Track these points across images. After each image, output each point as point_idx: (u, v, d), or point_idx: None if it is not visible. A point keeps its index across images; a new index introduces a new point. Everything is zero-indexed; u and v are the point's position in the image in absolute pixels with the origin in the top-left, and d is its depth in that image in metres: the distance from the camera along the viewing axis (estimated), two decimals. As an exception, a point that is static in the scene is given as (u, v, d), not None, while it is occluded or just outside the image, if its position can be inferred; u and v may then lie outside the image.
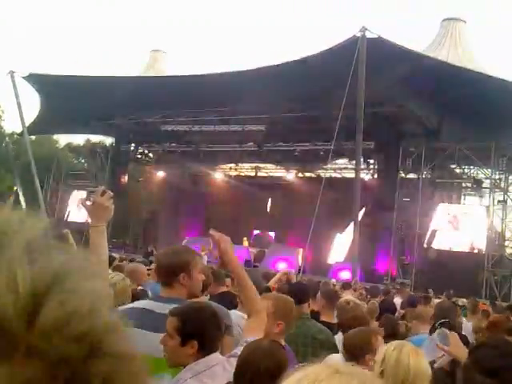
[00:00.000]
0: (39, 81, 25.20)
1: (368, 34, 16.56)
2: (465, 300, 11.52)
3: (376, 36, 16.97)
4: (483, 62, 24.77)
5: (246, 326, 2.62)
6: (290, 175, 27.33)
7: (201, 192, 26.93)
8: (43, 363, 0.41)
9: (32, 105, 27.75)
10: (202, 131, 25.33)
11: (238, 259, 2.81)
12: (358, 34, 16.50)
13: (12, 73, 24.12)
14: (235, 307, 3.95)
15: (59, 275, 0.44)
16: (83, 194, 28.60)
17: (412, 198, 21.44)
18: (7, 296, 0.41)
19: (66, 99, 23.94)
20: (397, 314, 6.56)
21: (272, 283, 5.98)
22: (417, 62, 17.76)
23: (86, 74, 25.16)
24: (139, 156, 30.70)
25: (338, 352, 3.50)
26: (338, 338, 4.17)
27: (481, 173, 23.04)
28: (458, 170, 23.88)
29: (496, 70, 21.29)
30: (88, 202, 2.39)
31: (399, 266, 21.19)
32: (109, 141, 33.42)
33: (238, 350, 2.33)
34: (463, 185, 23.66)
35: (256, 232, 26.95)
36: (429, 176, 22.20)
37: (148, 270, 6.28)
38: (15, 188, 29.94)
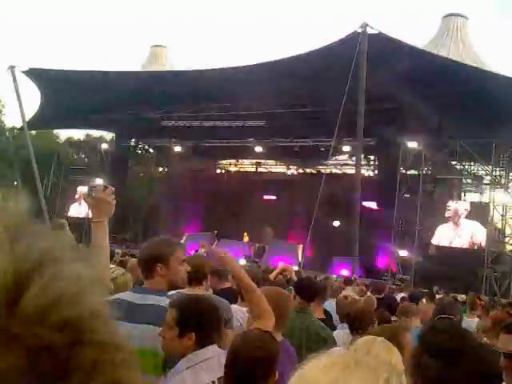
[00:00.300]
0: (39, 76, 25.15)
1: (369, 30, 16.53)
2: (464, 296, 11.56)
3: (377, 32, 16.94)
4: (484, 58, 24.76)
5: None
6: (291, 171, 27.33)
7: (201, 187, 26.90)
8: (25, 351, 0.39)
9: (32, 100, 27.73)
10: (202, 127, 25.32)
11: (239, 267, 2.82)
12: (359, 30, 16.47)
13: (12, 67, 24.05)
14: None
15: (42, 260, 0.42)
16: (84, 188, 28.65)
17: (412, 194, 21.44)
18: None
19: (67, 94, 23.92)
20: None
21: (271, 278, 5.99)
22: (418, 58, 17.73)
23: (87, 69, 25.10)
24: (139, 151, 30.72)
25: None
26: (337, 334, 4.19)
27: (481, 169, 23.04)
28: (458, 167, 23.89)
29: (497, 66, 21.28)
30: (90, 197, 2.40)
31: (399, 262, 21.22)
32: (109, 136, 33.48)
33: None
34: (463, 181, 23.67)
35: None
36: (429, 172, 22.20)
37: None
38: (15, 183, 29.93)
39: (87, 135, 37.88)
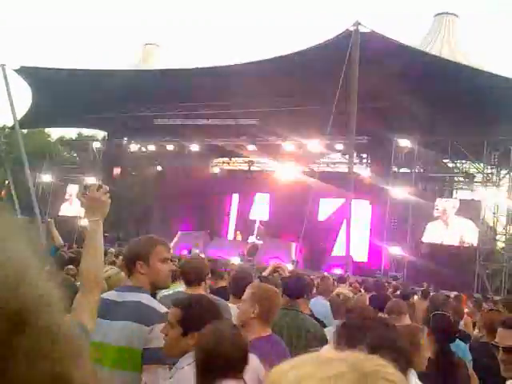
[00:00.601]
0: (31, 74, 25.01)
1: (361, 29, 16.54)
2: (456, 293, 11.62)
3: (369, 30, 16.96)
4: (476, 57, 24.86)
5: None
6: (284, 169, 27.33)
7: (194, 186, 26.86)
8: None
9: (24, 98, 27.58)
10: (195, 125, 25.27)
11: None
12: (352, 29, 16.48)
13: (3, 66, 23.89)
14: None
15: None
16: (74, 187, 28.54)
17: (405, 192, 21.52)
18: None
19: (58, 93, 23.80)
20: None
21: (265, 275, 6.00)
22: (410, 56, 17.79)
23: (79, 68, 24.98)
24: (132, 150, 30.62)
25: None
26: (328, 330, 4.19)
27: (473, 167, 23.17)
28: (450, 165, 24.00)
29: (489, 65, 21.37)
30: (84, 196, 2.39)
31: (392, 259, 21.30)
32: (101, 135, 33.34)
33: None
34: (455, 179, 23.79)
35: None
36: (421, 170, 22.29)
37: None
38: (7, 182, 29.77)
39: (79, 134, 37.75)
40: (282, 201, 24.77)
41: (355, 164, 21.41)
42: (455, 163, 23.86)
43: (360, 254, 21.58)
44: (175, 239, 24.72)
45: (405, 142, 21.57)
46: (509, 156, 20.45)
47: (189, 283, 3.69)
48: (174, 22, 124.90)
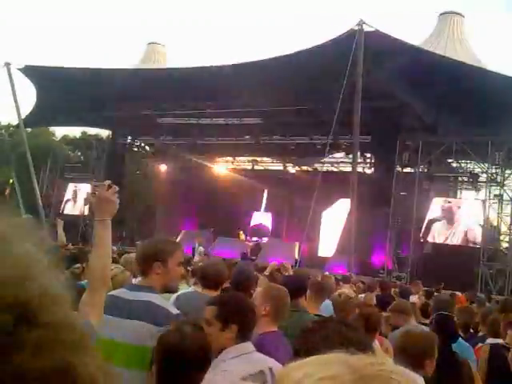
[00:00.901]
0: (35, 73, 25.04)
1: (365, 28, 16.52)
2: (459, 294, 11.61)
3: (373, 29, 16.93)
4: (481, 56, 24.80)
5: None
6: (287, 168, 27.33)
7: (197, 185, 26.89)
8: None
9: (28, 97, 27.65)
10: (198, 124, 25.27)
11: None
12: (356, 28, 16.46)
13: (8, 65, 23.95)
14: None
15: None
16: (79, 186, 28.58)
17: (408, 191, 21.48)
18: None
19: (62, 91, 23.83)
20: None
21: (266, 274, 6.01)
22: (414, 55, 17.73)
23: (83, 66, 25.02)
24: (136, 149, 30.65)
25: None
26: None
27: (477, 167, 23.09)
28: (454, 165, 23.93)
29: (494, 65, 21.31)
30: (94, 196, 2.40)
31: (395, 259, 21.27)
32: (105, 133, 33.39)
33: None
34: (460, 179, 23.72)
35: (254, 223, 26.94)
36: (425, 170, 22.24)
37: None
38: (11, 180, 29.85)
39: (83, 133, 37.78)
40: (286, 200, 24.78)
41: (359, 163, 21.38)
42: (459, 163, 23.78)
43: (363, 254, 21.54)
44: (178, 238, 24.75)
45: (409, 142, 21.51)
46: (514, 156, 20.39)
47: (208, 287, 3.67)
48: (178, 21, 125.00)
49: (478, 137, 19.99)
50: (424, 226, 21.14)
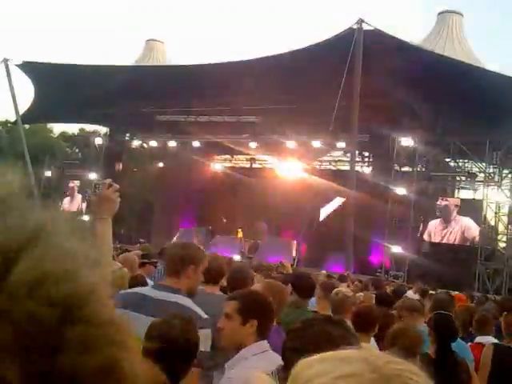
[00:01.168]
0: (33, 69, 24.98)
1: (364, 26, 16.54)
2: (457, 293, 11.60)
3: (372, 28, 16.94)
4: (479, 56, 24.82)
5: None
6: (285, 167, 27.30)
7: (195, 183, 26.84)
8: (13, 327, 0.38)
9: (26, 93, 27.57)
10: (196, 122, 25.24)
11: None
12: (355, 26, 16.47)
13: (6, 61, 23.89)
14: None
15: (35, 233, 0.41)
16: (76, 183, 28.54)
17: (406, 191, 21.49)
18: None
19: (61, 88, 23.77)
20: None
21: None
22: (413, 54, 17.74)
23: (81, 63, 24.96)
24: (134, 146, 30.59)
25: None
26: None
27: (475, 166, 23.12)
28: (452, 164, 23.95)
29: (492, 64, 21.33)
30: (95, 194, 2.40)
31: (393, 258, 21.28)
32: (103, 130, 33.32)
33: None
34: (457, 178, 23.74)
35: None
36: (423, 169, 22.25)
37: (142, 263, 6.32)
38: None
39: (81, 129, 37.72)
40: (284, 198, 24.77)
41: (357, 162, 21.39)
42: (457, 162, 23.81)
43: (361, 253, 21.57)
44: (176, 236, 24.72)
45: (407, 141, 21.52)
46: (511, 155, 20.40)
47: (208, 282, 3.68)
48: (177, 18, 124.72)
49: (476, 136, 20.01)
50: (421, 225, 21.17)
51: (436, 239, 20.75)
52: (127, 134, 29.47)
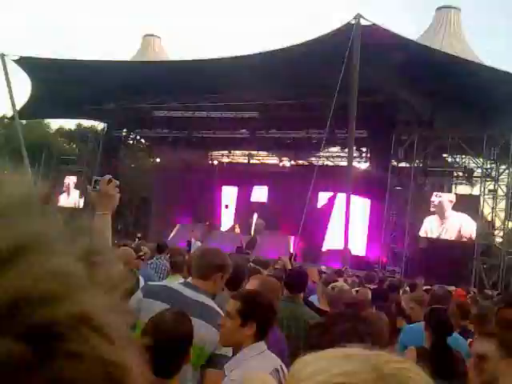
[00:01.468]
0: (30, 64, 24.89)
1: (362, 22, 16.49)
2: (453, 288, 11.63)
3: (370, 23, 16.90)
4: (477, 51, 24.82)
5: None
6: (283, 162, 27.31)
7: (193, 179, 26.83)
8: None
9: (23, 89, 27.49)
10: (194, 117, 25.22)
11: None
12: (353, 22, 16.42)
13: (2, 56, 23.79)
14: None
15: (19, 248, 0.33)
16: (73, 178, 28.51)
17: (404, 186, 21.53)
18: None
19: (58, 83, 23.70)
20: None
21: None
22: (411, 50, 17.72)
23: (78, 59, 24.87)
24: (131, 142, 30.56)
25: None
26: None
27: (472, 162, 23.17)
28: (449, 159, 24.00)
29: (490, 60, 21.32)
30: (94, 190, 2.40)
31: (390, 253, 21.33)
32: (100, 126, 33.25)
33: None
34: (454, 174, 23.78)
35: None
36: (421, 165, 22.29)
37: (139, 257, 6.34)
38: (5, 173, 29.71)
39: (78, 125, 37.63)
40: (281, 194, 24.78)
41: (355, 158, 21.40)
42: (454, 158, 23.85)
43: (358, 248, 21.60)
44: (174, 231, 24.73)
45: (404, 136, 21.54)
46: (508, 151, 20.44)
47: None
48: (174, 12, 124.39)
49: (474, 132, 20.03)
50: (419, 221, 21.20)
51: (432, 235, 20.79)
52: (124, 130, 29.43)
